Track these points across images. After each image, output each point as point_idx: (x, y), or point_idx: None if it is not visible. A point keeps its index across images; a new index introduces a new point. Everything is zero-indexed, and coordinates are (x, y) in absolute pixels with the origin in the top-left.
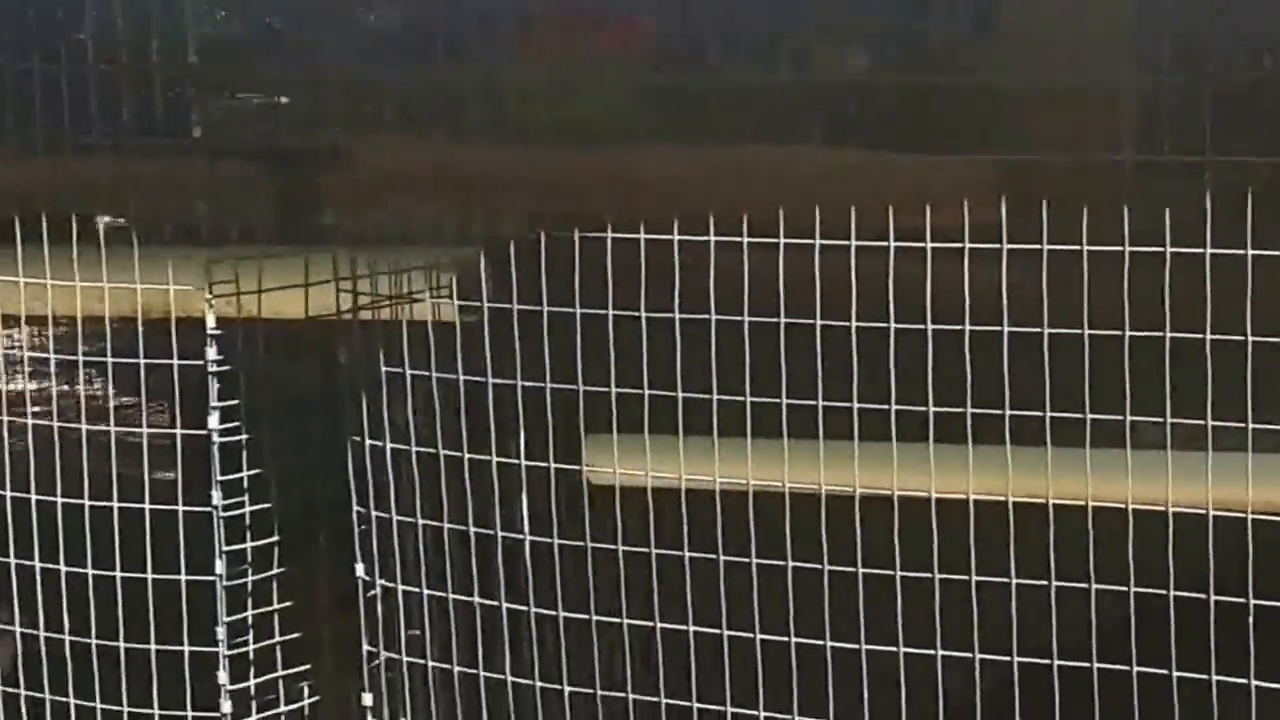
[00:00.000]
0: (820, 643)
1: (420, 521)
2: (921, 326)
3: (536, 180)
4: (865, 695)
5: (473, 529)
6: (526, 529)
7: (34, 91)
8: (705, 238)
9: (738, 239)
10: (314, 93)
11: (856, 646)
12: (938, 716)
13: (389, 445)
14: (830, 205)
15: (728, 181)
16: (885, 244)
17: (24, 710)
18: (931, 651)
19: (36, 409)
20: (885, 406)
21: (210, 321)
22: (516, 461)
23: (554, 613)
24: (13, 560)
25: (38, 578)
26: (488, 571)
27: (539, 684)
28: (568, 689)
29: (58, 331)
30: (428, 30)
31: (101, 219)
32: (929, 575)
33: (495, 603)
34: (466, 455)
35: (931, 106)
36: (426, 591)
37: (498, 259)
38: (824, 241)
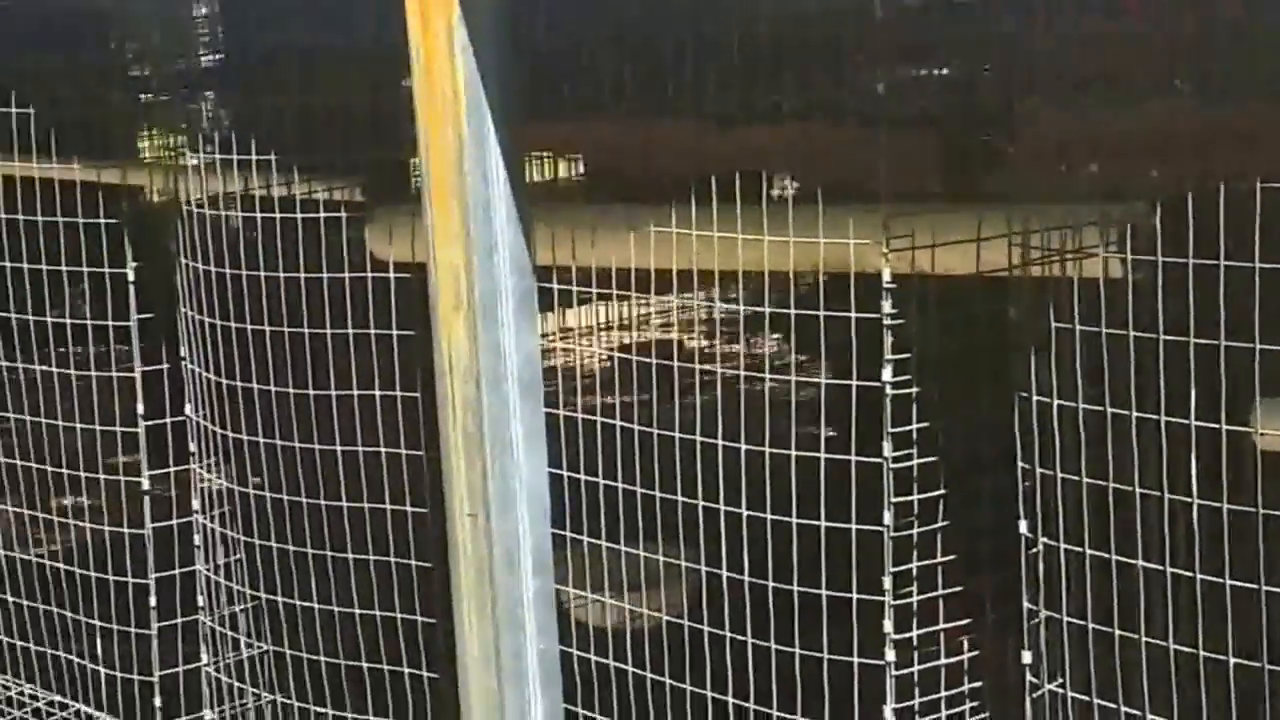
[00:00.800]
0: None
1: (1085, 480)
2: None
3: (1212, 134)
4: None
5: (1138, 489)
6: (1195, 492)
7: (729, 66)
8: None
9: None
10: (988, 58)
11: None
12: None
13: (1056, 402)
14: None
15: None
16: None
17: (706, 639)
18: None
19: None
20: None
21: (886, 276)
22: (1185, 422)
23: (1220, 580)
24: (700, 503)
25: (721, 522)
26: (1149, 534)
27: (1201, 653)
28: (1232, 660)
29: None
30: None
31: (786, 179)
32: None
33: (1159, 567)
34: (1134, 414)
35: None
36: (1090, 552)
37: (1172, 214)
38: None
